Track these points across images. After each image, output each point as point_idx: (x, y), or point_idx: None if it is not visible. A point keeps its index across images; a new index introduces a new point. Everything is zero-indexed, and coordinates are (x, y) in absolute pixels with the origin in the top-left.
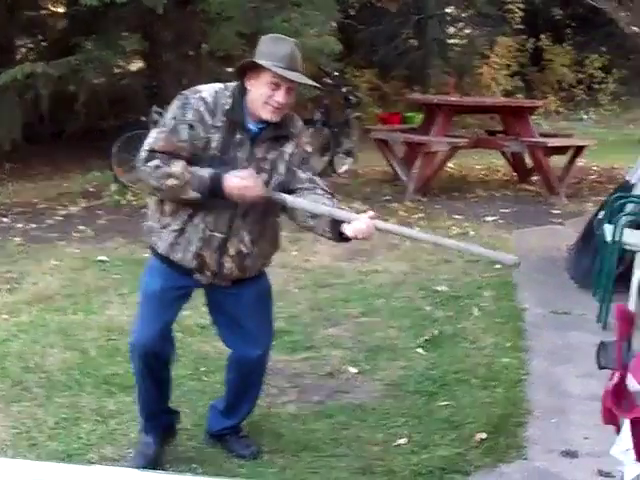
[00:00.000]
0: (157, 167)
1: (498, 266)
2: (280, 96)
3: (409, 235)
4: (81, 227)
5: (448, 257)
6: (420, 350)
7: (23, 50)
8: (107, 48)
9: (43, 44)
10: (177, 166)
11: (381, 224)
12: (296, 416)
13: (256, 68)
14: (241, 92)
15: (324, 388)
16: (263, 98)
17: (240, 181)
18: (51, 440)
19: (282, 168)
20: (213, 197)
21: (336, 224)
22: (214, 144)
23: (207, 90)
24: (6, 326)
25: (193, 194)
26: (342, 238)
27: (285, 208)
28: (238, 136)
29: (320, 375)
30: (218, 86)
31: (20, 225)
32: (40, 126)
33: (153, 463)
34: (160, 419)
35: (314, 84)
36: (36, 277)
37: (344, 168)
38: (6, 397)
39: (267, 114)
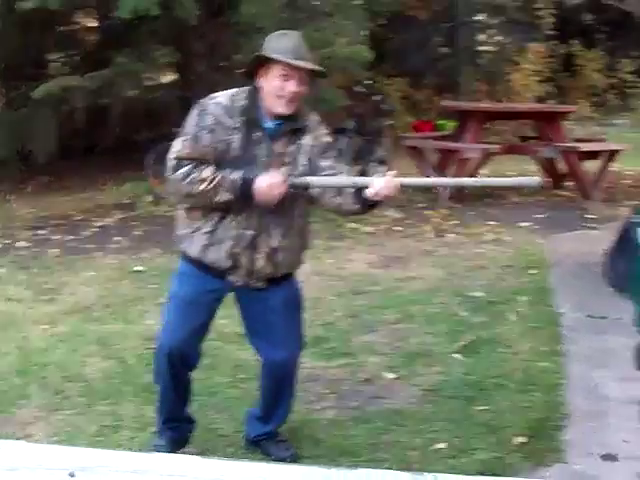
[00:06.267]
0: (188, 174)
1: (533, 271)
2: (292, 86)
3: (431, 183)
4: (117, 238)
5: (483, 263)
6: (457, 355)
7: (56, 65)
8: (140, 61)
9: (75, 58)
10: (207, 171)
11: (404, 180)
12: (335, 422)
13: (265, 64)
14: (255, 92)
15: (362, 394)
16: (276, 91)
17: (269, 179)
18: (92, 448)
19: (303, 160)
20: (244, 199)
21: (361, 193)
22: (235, 144)
23: (222, 95)
24: (45, 336)
25: (225, 195)
26: (370, 206)
27: (312, 198)
28: (257, 134)
29: (358, 381)
30: (233, 90)
31: (57, 237)
32: (74, 139)
33: None
34: (177, 425)
35: (322, 69)
36: (74, 288)
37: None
38: (47, 406)
39: (281, 107)
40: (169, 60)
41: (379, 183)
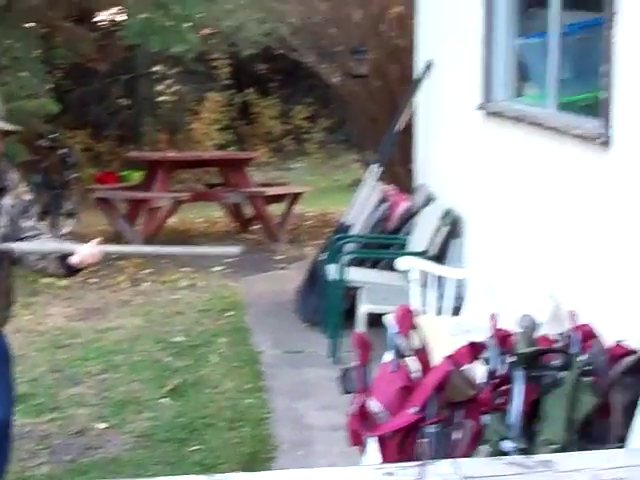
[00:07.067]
0: None
1: (229, 313)
2: None
3: (134, 251)
4: None
5: (180, 309)
6: (165, 400)
7: None
8: None
9: None
10: None
11: (107, 247)
12: (50, 477)
13: None
14: None
15: (75, 446)
16: None
17: None
18: None
19: (4, 221)
20: None
21: (65, 259)
22: None
23: None
24: None
25: None
26: (73, 271)
27: (15, 260)
28: None
29: (69, 434)
30: None
31: None
32: None
33: None
34: None
35: (15, 128)
36: None
37: (66, 230)
38: None
39: None
40: None
41: (83, 250)
